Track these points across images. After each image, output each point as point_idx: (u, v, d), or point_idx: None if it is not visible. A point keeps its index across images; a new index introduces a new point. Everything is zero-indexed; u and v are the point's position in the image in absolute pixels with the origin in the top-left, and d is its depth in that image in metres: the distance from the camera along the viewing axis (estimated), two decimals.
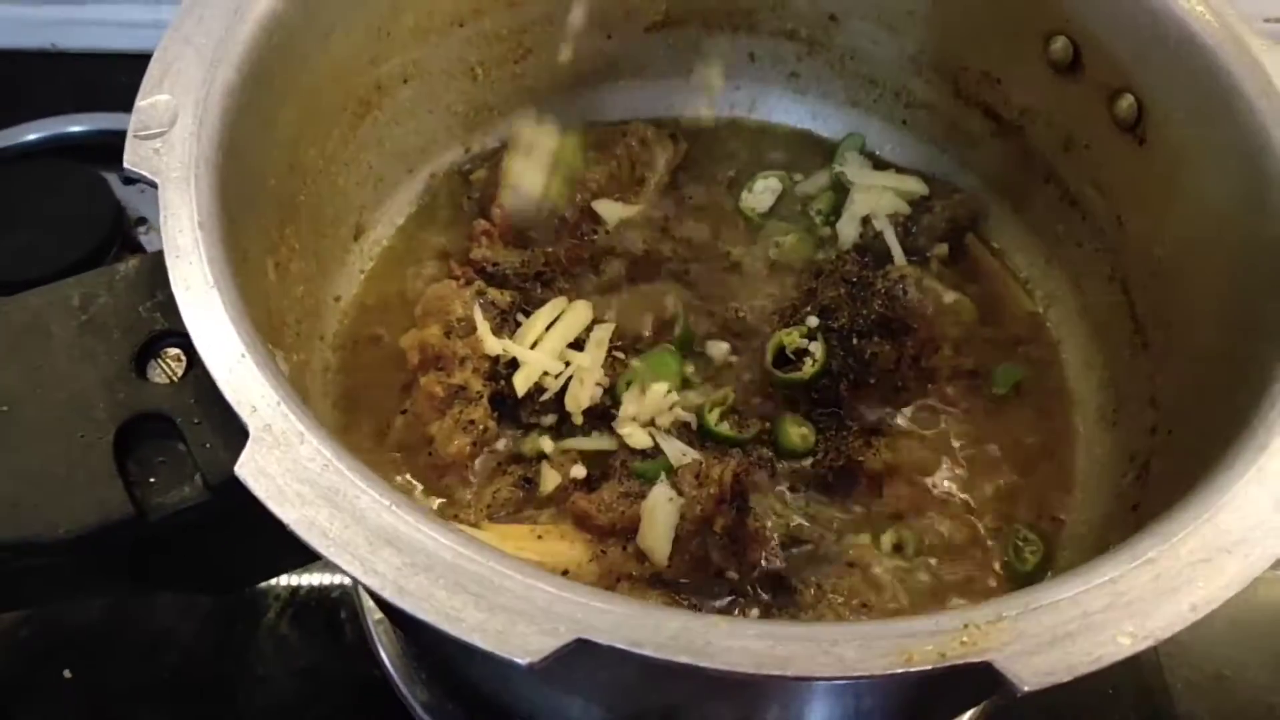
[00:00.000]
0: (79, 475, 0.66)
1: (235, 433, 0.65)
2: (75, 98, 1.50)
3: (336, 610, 1.22)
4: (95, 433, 0.67)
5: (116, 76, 1.62)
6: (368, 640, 1.17)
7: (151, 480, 0.68)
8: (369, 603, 1.18)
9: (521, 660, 0.57)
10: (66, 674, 1.18)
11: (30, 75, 1.59)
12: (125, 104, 1.50)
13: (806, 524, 1.02)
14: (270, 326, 0.90)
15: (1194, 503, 0.68)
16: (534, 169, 1.17)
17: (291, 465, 0.63)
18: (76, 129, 1.45)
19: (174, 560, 0.71)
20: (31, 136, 1.45)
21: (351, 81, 1.04)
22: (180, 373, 0.71)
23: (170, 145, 0.77)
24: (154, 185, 0.75)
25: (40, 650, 1.19)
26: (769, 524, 0.97)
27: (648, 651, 0.57)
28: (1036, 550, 1.01)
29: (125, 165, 0.75)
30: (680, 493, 0.95)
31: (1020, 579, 1.00)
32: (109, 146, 1.45)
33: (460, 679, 1.05)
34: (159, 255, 0.73)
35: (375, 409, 1.07)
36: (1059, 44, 1.04)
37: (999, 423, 1.10)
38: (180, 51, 0.83)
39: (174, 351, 0.72)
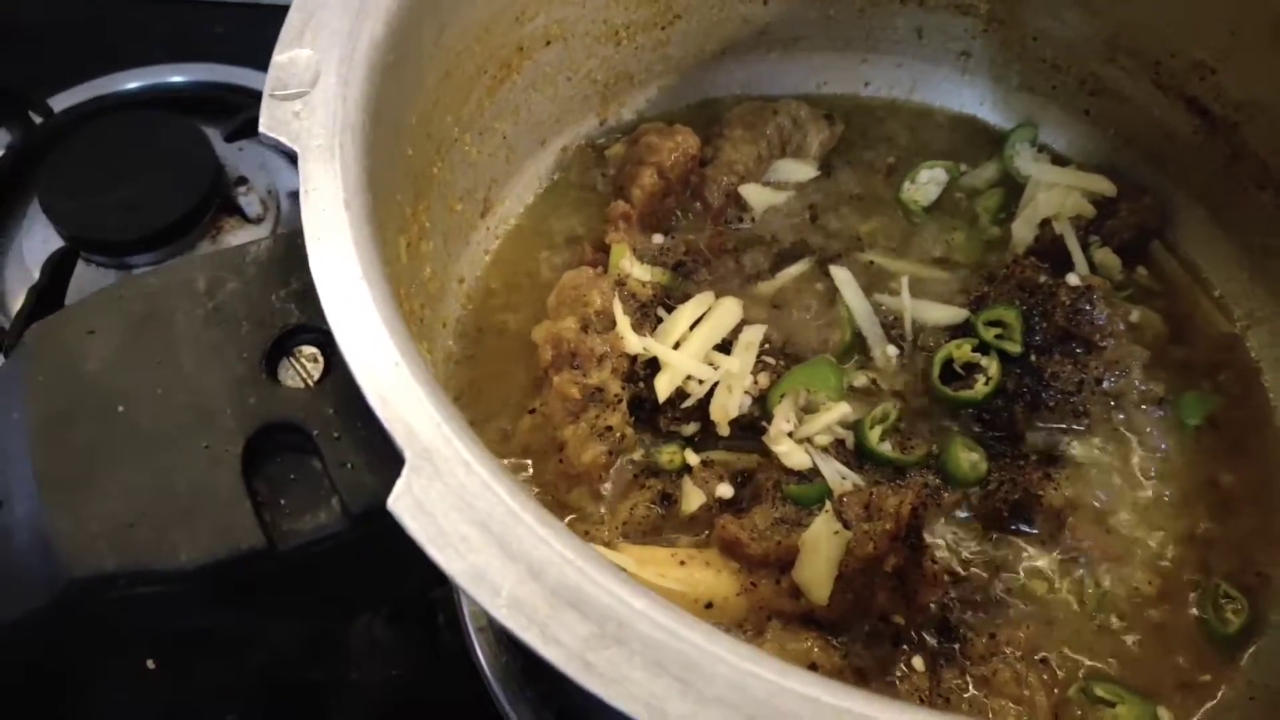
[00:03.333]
0: (204, 494, 0.56)
1: (382, 452, 0.55)
2: (168, 47, 1.40)
3: (434, 613, 1.14)
4: (223, 444, 0.57)
5: (211, 26, 1.54)
6: (468, 649, 1.08)
7: (282, 503, 0.58)
8: (471, 607, 1.09)
9: None
10: (150, 664, 1.11)
11: (122, 21, 1.50)
12: (221, 55, 1.43)
13: (976, 563, 0.90)
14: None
15: None
16: None
17: (456, 502, 0.53)
18: (177, 79, 1.36)
19: (298, 589, 0.62)
20: (131, 85, 1.36)
21: (495, 39, 0.94)
22: (317, 376, 0.61)
23: (312, 108, 0.67)
24: (292, 155, 0.64)
25: (125, 636, 1.12)
26: (940, 563, 0.86)
27: None
28: (1240, 610, 0.89)
29: (261, 130, 0.65)
30: (846, 524, 0.84)
31: (1221, 641, 0.88)
32: (210, 99, 1.37)
33: (578, 711, 0.95)
34: (294, 235, 0.64)
35: (500, 406, 0.97)
36: None
37: (1193, 458, 0.97)
38: None
39: (309, 350, 0.62)
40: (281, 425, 0.60)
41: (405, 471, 0.54)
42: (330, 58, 0.70)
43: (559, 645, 0.49)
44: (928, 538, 0.87)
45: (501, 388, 0.98)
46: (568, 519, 0.91)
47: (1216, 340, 1.05)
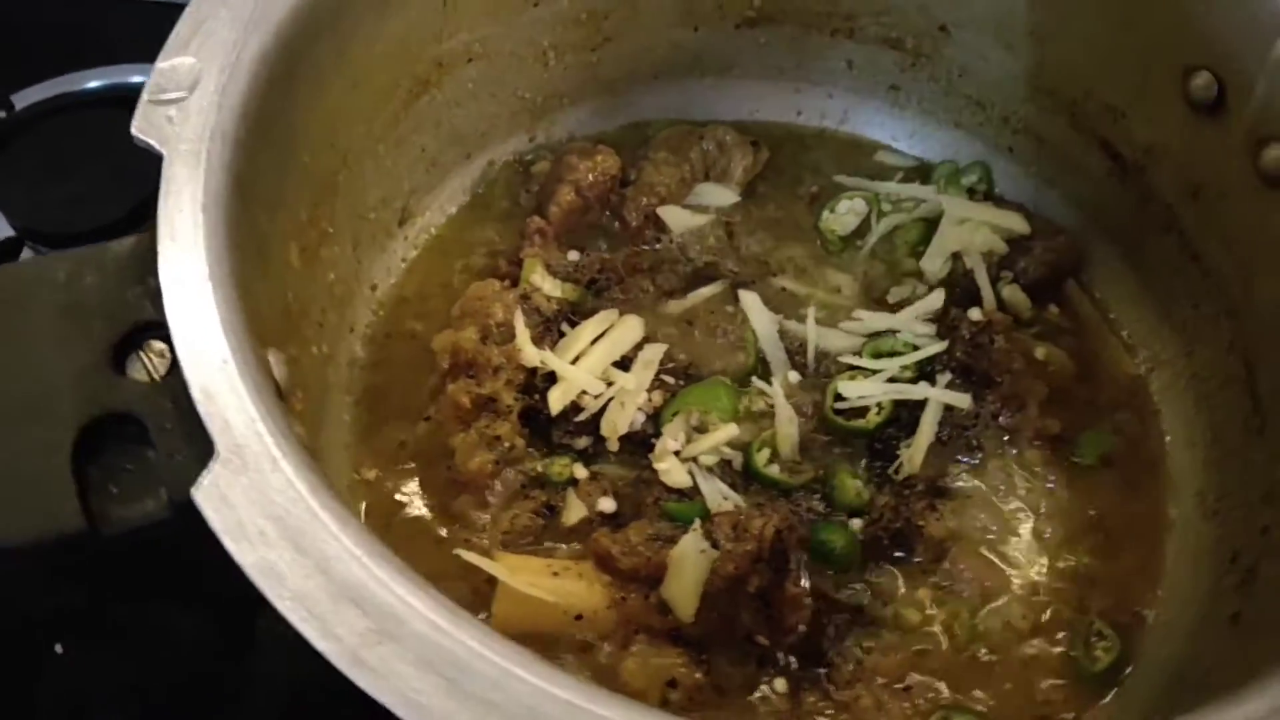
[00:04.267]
0: (32, 478, 0.59)
1: (208, 446, 0.58)
2: (134, 47, 1.44)
3: None
4: (57, 430, 0.60)
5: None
6: None
7: (113, 489, 0.61)
8: None
9: None
10: (58, 649, 1.13)
11: (94, 21, 1.54)
12: None
13: (853, 589, 0.92)
14: (288, 318, 0.83)
15: None
16: None
17: (258, 496, 0.55)
18: (137, 79, 1.40)
19: (143, 574, 0.64)
20: (92, 84, 1.40)
21: (412, 54, 0.97)
22: (163, 371, 0.64)
23: (186, 114, 0.69)
24: (160, 158, 0.67)
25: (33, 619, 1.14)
26: (807, 585, 0.87)
27: None
28: (1110, 648, 0.90)
29: (133, 131, 0.68)
30: (714, 544, 0.85)
31: (1088, 679, 0.89)
32: None
33: None
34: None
35: (401, 412, 0.99)
36: (1201, 80, 0.91)
37: (1083, 496, 0.98)
38: (213, 10, 0.76)
39: (159, 346, 0.65)
40: (120, 416, 0.62)
41: (214, 464, 0.56)
42: (212, 66, 0.73)
43: (336, 640, 0.51)
44: (801, 561, 0.88)
45: (403, 395, 1.00)
46: (451, 526, 0.93)
47: (1121, 381, 1.05)
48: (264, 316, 0.72)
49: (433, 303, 1.05)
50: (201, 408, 0.58)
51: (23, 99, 1.39)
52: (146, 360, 0.65)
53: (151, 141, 0.67)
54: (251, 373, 0.59)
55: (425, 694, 0.50)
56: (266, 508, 0.55)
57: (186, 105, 0.70)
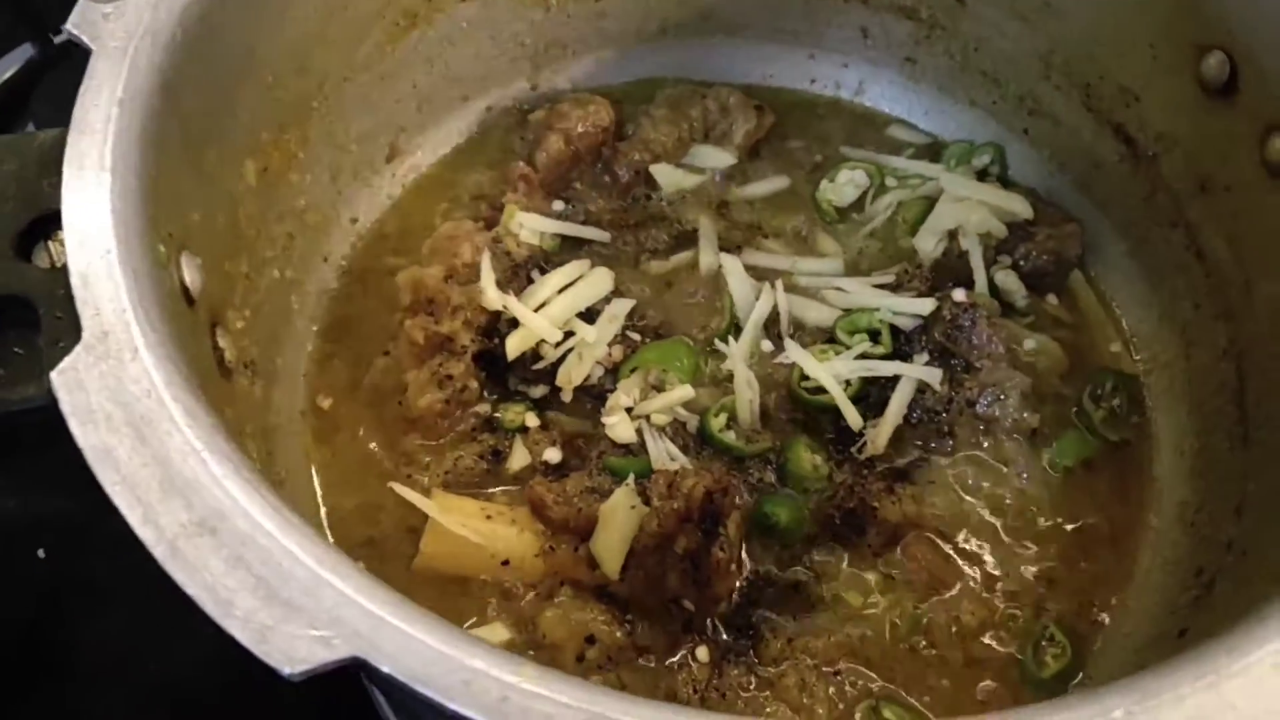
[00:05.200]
0: None
1: None
2: None
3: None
4: None
5: None
6: None
7: (0, 371, 0.61)
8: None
9: (283, 669, 0.47)
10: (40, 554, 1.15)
11: None
12: None
13: (795, 564, 0.88)
14: (235, 233, 0.83)
15: (1210, 655, 0.52)
16: None
17: (114, 383, 0.55)
18: None
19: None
20: None
21: None
22: (64, 261, 0.64)
23: (122, 12, 0.69)
24: (89, 53, 0.67)
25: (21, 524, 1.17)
26: (740, 554, 0.84)
27: (431, 693, 0.47)
28: (1061, 655, 0.85)
29: (66, 26, 0.68)
30: (646, 500, 0.83)
31: (1034, 684, 0.84)
32: None
33: None
34: None
35: (364, 345, 0.99)
36: (1214, 60, 0.86)
37: (1058, 498, 0.93)
38: None
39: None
40: (16, 299, 0.62)
41: (78, 348, 0.56)
42: None
43: (156, 528, 0.50)
44: (731, 528, 0.85)
45: (371, 329, 0.99)
46: (397, 461, 0.92)
47: (1115, 381, 0.99)
48: (191, 222, 0.72)
49: (413, 241, 1.04)
50: (77, 293, 0.58)
51: None
52: (54, 250, 0.65)
53: (83, 37, 0.67)
54: (134, 264, 0.59)
55: (234, 591, 0.48)
56: (118, 394, 0.54)
57: (125, 5, 0.70)
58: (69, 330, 0.61)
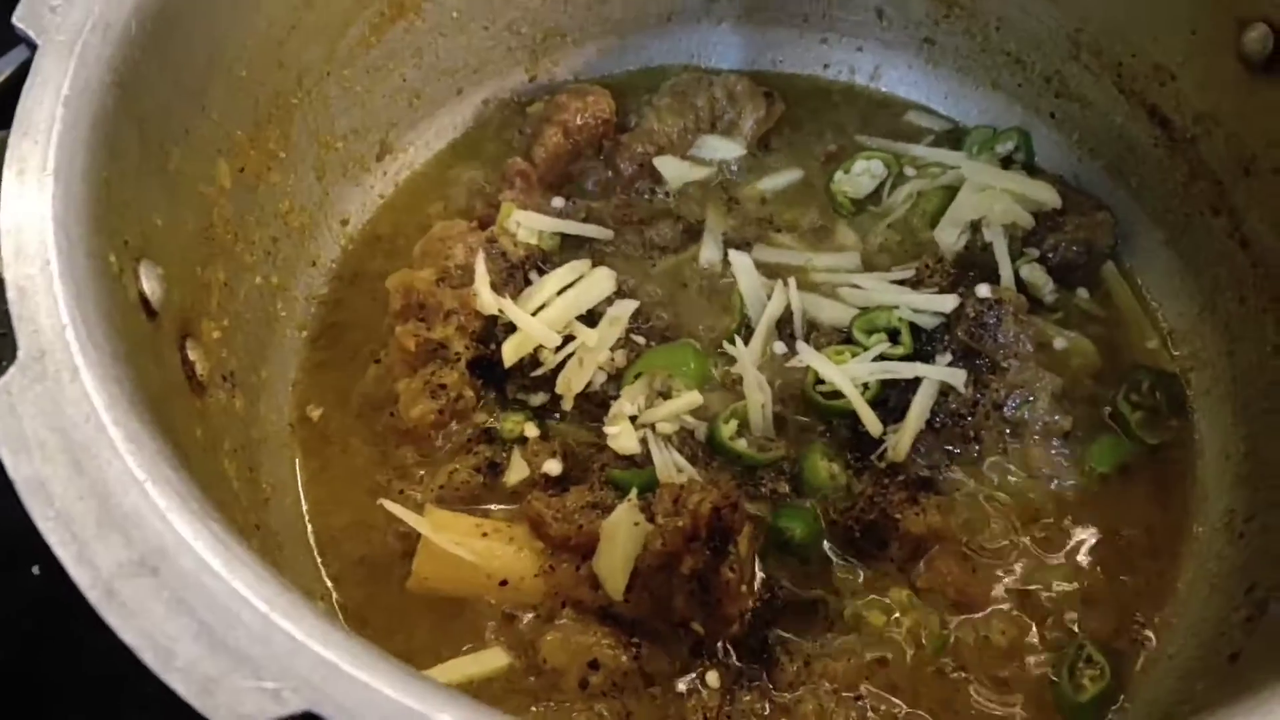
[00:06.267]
0: None
1: None
2: None
3: None
4: None
5: None
6: None
7: None
8: None
9: None
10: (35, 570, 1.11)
11: None
12: None
13: (813, 583, 0.83)
14: (208, 238, 0.78)
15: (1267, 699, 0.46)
16: None
17: (50, 407, 0.50)
18: None
19: None
20: None
21: None
22: None
23: (71, 5, 0.64)
24: (35, 47, 0.62)
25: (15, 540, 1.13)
26: (753, 573, 0.79)
27: None
28: (1099, 677, 0.79)
29: (14, 20, 0.63)
30: (651, 518, 0.77)
31: (1069, 709, 0.78)
32: None
33: None
34: None
35: (356, 353, 0.94)
36: (1256, 33, 0.80)
37: (1093, 504, 0.87)
38: None
39: None
40: None
41: (13, 369, 0.51)
42: None
43: (91, 568, 0.46)
44: (742, 545, 0.79)
45: (363, 336, 0.94)
46: (389, 475, 0.87)
47: (1153, 380, 0.93)
48: (152, 228, 0.67)
49: (405, 241, 0.99)
50: (13, 308, 0.53)
51: None
52: None
53: (28, 31, 0.63)
54: (77, 276, 0.54)
55: (175, 638, 0.43)
56: (55, 419, 0.49)
57: None
58: (12, 349, 0.57)
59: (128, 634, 0.44)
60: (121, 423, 0.50)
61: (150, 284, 0.64)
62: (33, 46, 0.62)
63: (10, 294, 0.53)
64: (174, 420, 0.61)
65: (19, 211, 0.56)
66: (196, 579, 0.45)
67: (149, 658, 0.43)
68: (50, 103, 0.60)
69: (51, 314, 0.53)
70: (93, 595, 0.45)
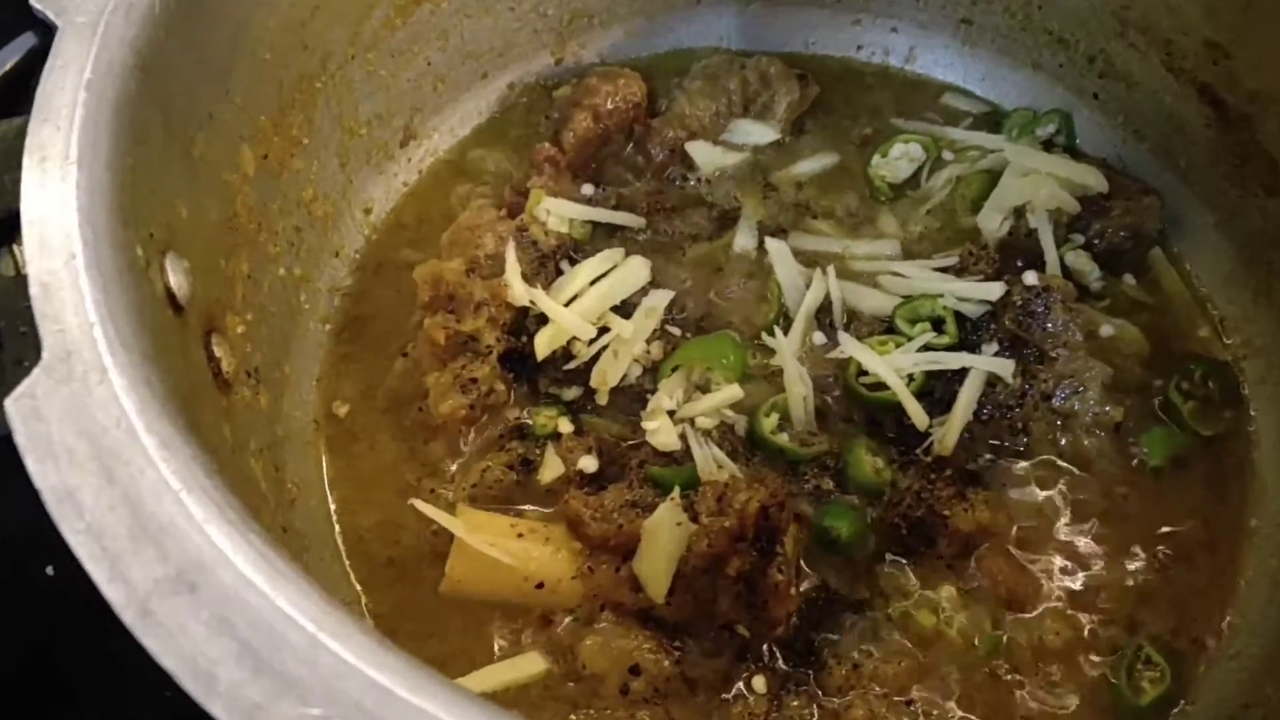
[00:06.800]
0: None
1: None
2: None
3: None
4: None
5: None
6: None
7: None
8: None
9: None
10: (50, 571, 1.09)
11: None
12: None
13: (860, 583, 0.80)
14: (233, 229, 0.75)
15: None
16: None
17: (78, 411, 0.47)
18: None
19: None
20: None
21: None
22: None
23: None
24: (54, 29, 0.59)
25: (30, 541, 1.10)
26: (799, 574, 0.76)
27: None
28: (1159, 679, 0.76)
29: (31, 0, 0.60)
30: (694, 517, 0.75)
31: (1128, 713, 0.75)
32: None
33: None
34: None
35: (383, 346, 0.91)
36: None
37: (1147, 498, 0.84)
38: None
39: None
40: None
41: (37, 370, 0.48)
42: None
43: (125, 585, 0.43)
44: (789, 545, 0.76)
45: (389, 328, 0.92)
46: (419, 473, 0.84)
47: (1205, 369, 0.90)
48: (178, 219, 0.64)
49: (432, 231, 0.96)
50: (37, 305, 0.50)
51: None
52: (18, 253, 0.57)
53: (47, 12, 0.60)
54: (104, 270, 0.51)
55: (217, 661, 0.41)
56: (83, 424, 0.46)
57: None
58: (34, 347, 0.54)
59: (167, 658, 0.41)
60: (154, 427, 0.47)
61: (177, 277, 0.61)
62: (51, 29, 0.59)
63: (34, 290, 0.51)
64: (202, 421, 0.58)
65: (42, 202, 0.53)
66: (238, 595, 0.42)
67: (189, 684, 0.40)
68: (72, 87, 0.57)
69: (78, 311, 0.50)
70: (127, 616, 0.42)
